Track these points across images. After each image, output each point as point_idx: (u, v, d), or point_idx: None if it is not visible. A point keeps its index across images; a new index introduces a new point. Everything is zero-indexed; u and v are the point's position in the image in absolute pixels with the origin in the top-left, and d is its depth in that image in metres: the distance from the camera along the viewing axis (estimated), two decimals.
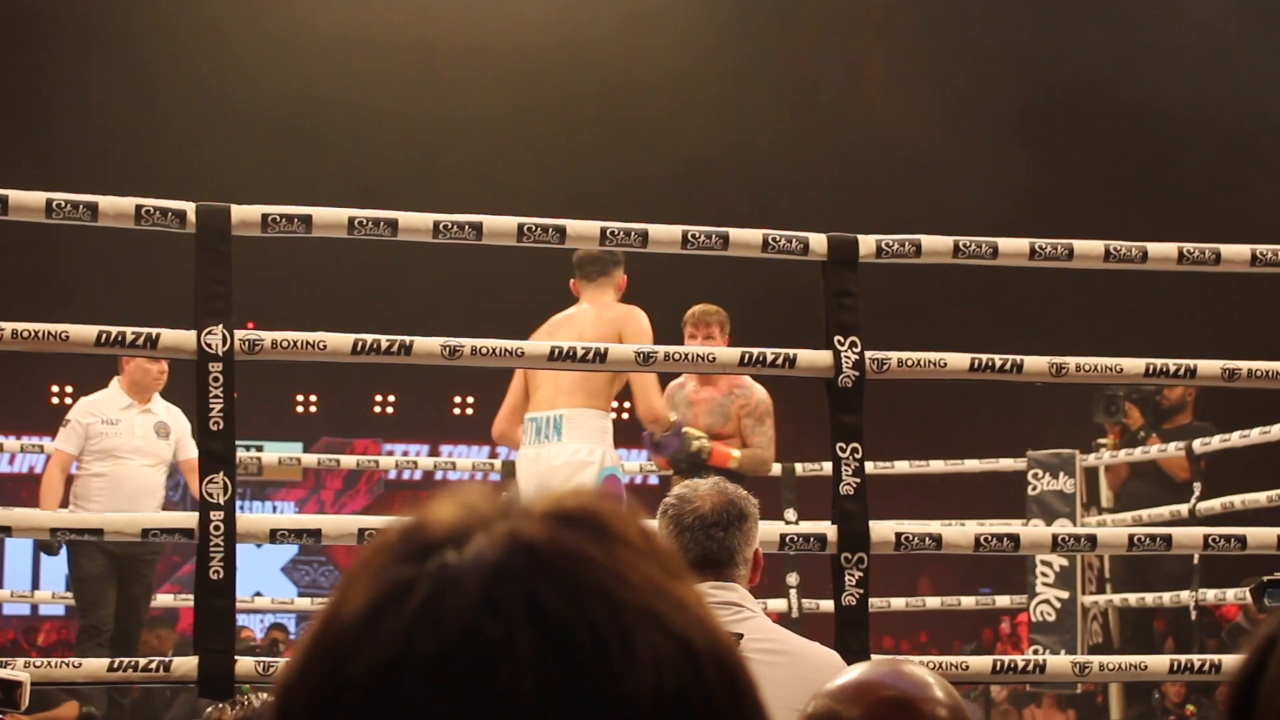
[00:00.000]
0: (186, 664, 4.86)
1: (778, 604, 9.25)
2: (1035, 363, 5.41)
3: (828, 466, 5.50)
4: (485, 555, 0.78)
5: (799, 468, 9.59)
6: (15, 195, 4.93)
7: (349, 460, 11.74)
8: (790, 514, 9.26)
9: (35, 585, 17.09)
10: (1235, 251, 5.62)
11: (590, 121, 15.34)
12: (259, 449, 12.21)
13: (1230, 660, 5.24)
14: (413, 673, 0.76)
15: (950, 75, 15.38)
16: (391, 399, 18.96)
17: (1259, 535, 5.38)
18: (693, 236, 5.27)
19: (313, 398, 18.74)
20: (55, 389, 17.68)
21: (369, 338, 5.03)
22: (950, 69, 15.37)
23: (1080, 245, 5.51)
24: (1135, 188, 15.20)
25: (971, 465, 9.86)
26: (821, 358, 5.24)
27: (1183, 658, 5.42)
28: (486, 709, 0.75)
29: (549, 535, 0.79)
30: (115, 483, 8.12)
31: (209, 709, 2.38)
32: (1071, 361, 5.41)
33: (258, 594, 13.75)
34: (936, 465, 9.81)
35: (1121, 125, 15.29)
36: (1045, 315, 14.96)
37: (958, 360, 5.37)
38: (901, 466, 9.65)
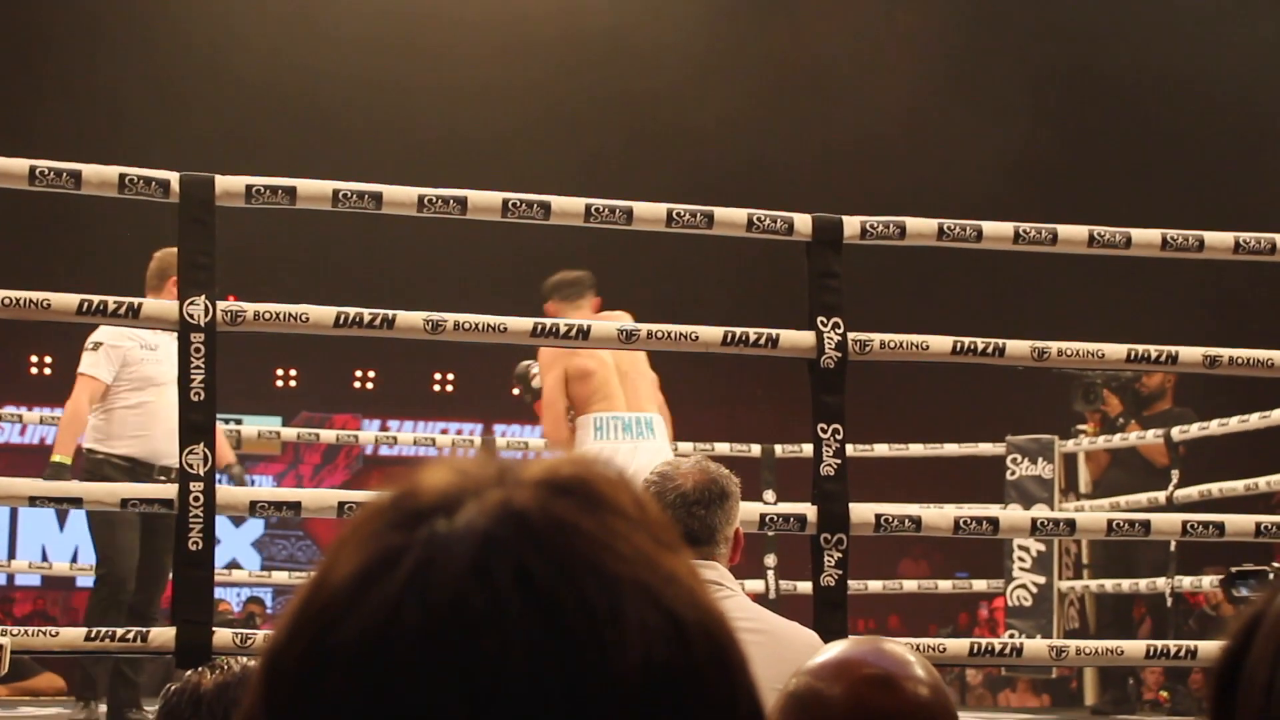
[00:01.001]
0: (164, 635, 4.85)
1: (755, 585, 9.27)
2: (1017, 346, 5.43)
3: (807, 449, 5.53)
4: (475, 524, 0.78)
5: (778, 449, 9.60)
6: None
7: (328, 435, 11.72)
8: (769, 495, 9.27)
9: (11, 555, 17.06)
10: (1218, 239, 5.64)
11: (583, 96, 15.33)
12: (238, 422, 12.16)
13: (1206, 647, 5.26)
14: (400, 642, 0.75)
15: (953, 46, 15.35)
16: (372, 374, 18.93)
17: (1237, 522, 5.40)
18: (677, 215, 5.26)
19: (293, 372, 18.71)
20: (34, 359, 17.63)
21: (351, 311, 5.02)
22: (952, 38, 15.34)
23: (1064, 230, 5.52)
24: (1146, 163, 15.16)
25: (950, 449, 9.87)
26: (804, 338, 5.24)
27: (1159, 643, 5.43)
28: (474, 679, 0.74)
29: (540, 504, 0.79)
30: (152, 416, 7.05)
31: (188, 673, 2.38)
32: (1054, 346, 5.42)
33: (233, 565, 13.78)
34: (916, 448, 9.83)
35: (1132, 99, 15.25)
36: (1032, 298, 14.97)
37: (940, 343, 5.38)
38: (881, 449, 9.67)
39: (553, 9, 14.89)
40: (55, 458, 7.00)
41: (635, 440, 7.27)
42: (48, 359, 17.65)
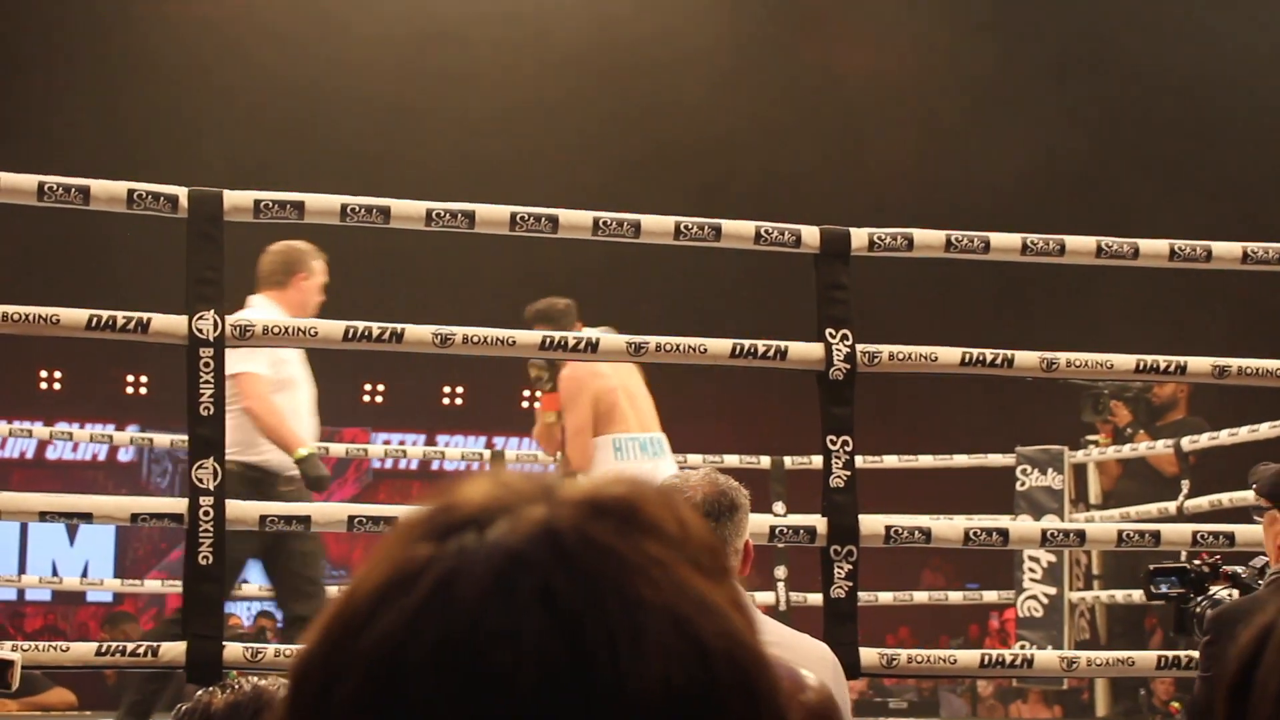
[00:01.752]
0: (174, 649, 4.85)
1: (765, 597, 9.27)
2: (1026, 358, 5.42)
3: (817, 460, 5.53)
4: (505, 541, 0.78)
5: (788, 461, 9.60)
6: (6, 177, 4.93)
7: (338, 448, 11.72)
8: (779, 507, 9.26)
9: (21, 570, 17.06)
10: (1226, 249, 5.63)
11: (603, 113, 15.33)
12: None
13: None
14: (414, 657, 0.75)
15: (975, 55, 15.33)
16: (381, 388, 18.93)
17: (1247, 532, 5.39)
18: (685, 228, 5.27)
19: None
20: (44, 374, 17.65)
21: (360, 325, 5.02)
22: (975, 48, 15.30)
23: (1072, 241, 5.52)
24: (1177, 167, 15.10)
25: (960, 460, 9.86)
26: (813, 350, 5.24)
27: (1170, 653, 5.42)
28: (484, 698, 0.74)
29: (577, 525, 0.79)
30: (295, 420, 6.69)
31: (199, 692, 2.38)
32: (1062, 357, 5.42)
33: (243, 581, 13.75)
34: (925, 460, 9.82)
35: (1160, 102, 15.20)
36: (1043, 307, 14.96)
37: (949, 354, 5.38)
38: (890, 461, 9.65)
39: (571, 27, 14.89)
40: (301, 452, 6.55)
41: (654, 459, 7.33)
42: (57, 374, 17.66)
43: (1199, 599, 4.87)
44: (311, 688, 0.78)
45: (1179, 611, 4.90)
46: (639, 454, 7.36)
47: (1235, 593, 4.78)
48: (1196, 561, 4.95)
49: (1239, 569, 4.82)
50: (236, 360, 6.06)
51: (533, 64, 14.92)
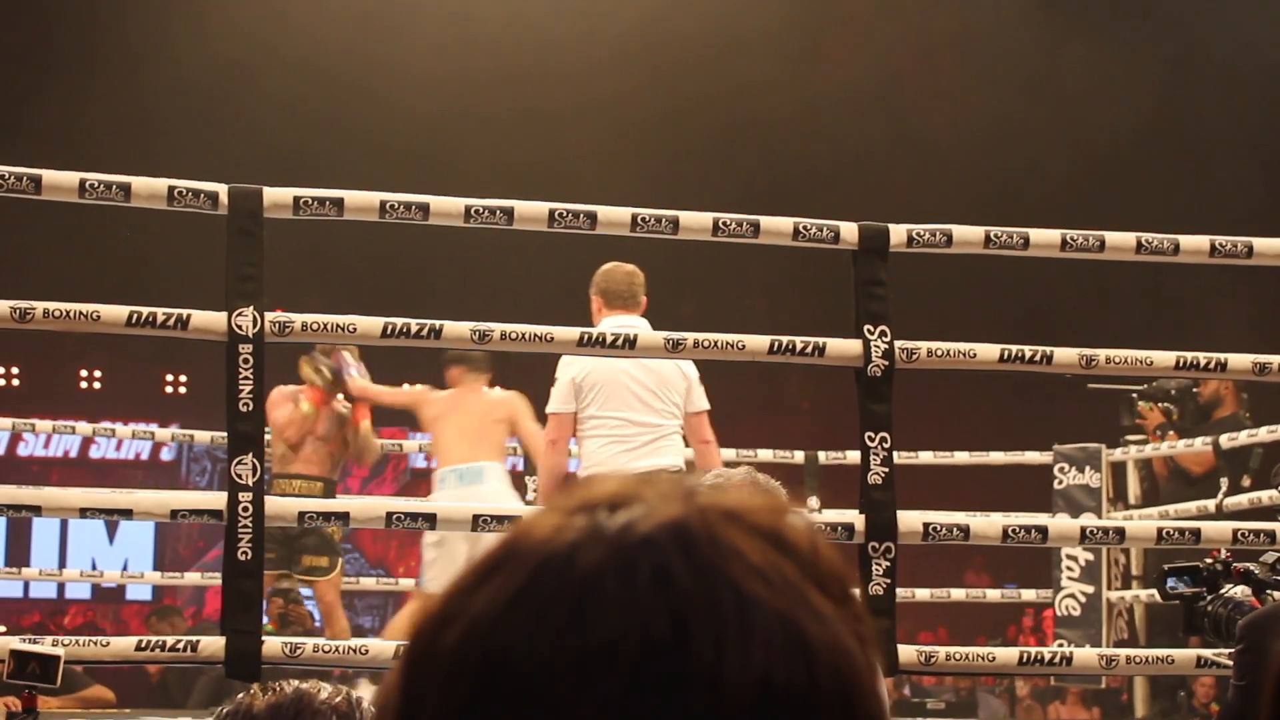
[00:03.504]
0: (213, 644, 4.87)
1: None
2: (1065, 354, 5.41)
3: (851, 455, 5.53)
4: (634, 524, 0.79)
5: (822, 456, 9.58)
6: (49, 175, 4.95)
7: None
8: (814, 502, 9.25)
9: (61, 565, 17.13)
10: (1267, 245, 5.61)
11: (656, 108, 15.34)
12: None
13: None
14: (524, 616, 0.77)
15: (1029, 43, 15.26)
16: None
17: None
18: (723, 224, 5.27)
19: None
20: (84, 372, 17.72)
21: (399, 321, 5.03)
22: (1029, 35, 15.23)
23: (1112, 237, 5.50)
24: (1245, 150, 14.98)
25: (997, 458, 9.83)
26: (851, 347, 5.24)
27: (1210, 653, 5.39)
28: (584, 664, 0.76)
29: (707, 523, 0.80)
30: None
31: (240, 694, 2.38)
32: (1101, 354, 5.40)
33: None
34: (961, 457, 9.78)
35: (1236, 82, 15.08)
36: (1081, 306, 14.92)
37: (987, 351, 5.37)
38: (926, 457, 9.62)
39: (619, 24, 14.90)
40: None
41: (468, 487, 7.95)
42: (97, 372, 17.73)
43: (1211, 597, 4.84)
44: (424, 639, 0.80)
45: (1189, 610, 4.88)
46: (456, 484, 8.01)
47: (1248, 590, 4.76)
48: (1209, 560, 4.92)
49: (1252, 566, 4.79)
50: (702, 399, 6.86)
51: (580, 62, 14.92)
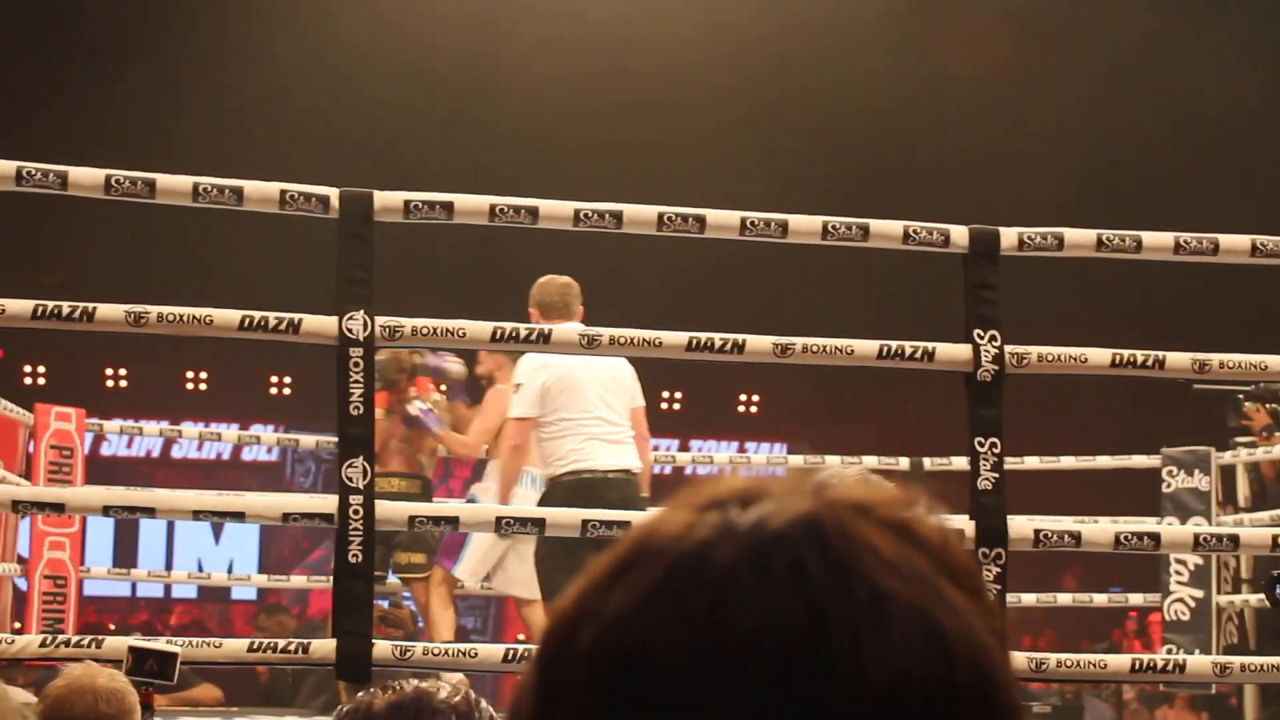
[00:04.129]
0: (324, 646, 4.91)
1: None
2: (1178, 359, 5.35)
3: (956, 461, 5.49)
4: (767, 519, 0.79)
5: (927, 462, 9.54)
6: (163, 179, 5.01)
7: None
8: None
9: (169, 566, 17.31)
10: None
11: (769, 98, 15.35)
12: None
13: None
14: (660, 612, 0.77)
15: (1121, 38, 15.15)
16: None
17: None
18: (833, 228, 5.25)
19: (443, 386, 18.84)
20: (190, 375, 17.89)
21: (508, 325, 5.05)
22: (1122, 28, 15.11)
23: (1226, 240, 5.44)
24: None
25: (1104, 461, 9.75)
26: (961, 351, 5.20)
27: None
28: (720, 661, 0.76)
29: (839, 517, 0.80)
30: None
31: (360, 694, 2.40)
32: (1215, 358, 5.34)
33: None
34: (1068, 461, 9.71)
35: None
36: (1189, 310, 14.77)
37: (1099, 355, 5.32)
38: (1032, 462, 9.56)
39: (728, 18, 14.91)
40: None
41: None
42: (203, 374, 17.88)
43: None
44: (558, 638, 0.80)
45: None
46: (530, 487, 7.67)
47: None
48: None
49: None
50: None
51: (702, 55, 14.94)
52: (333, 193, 5.05)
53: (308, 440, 10.91)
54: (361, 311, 4.96)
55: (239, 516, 5.22)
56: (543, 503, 6.77)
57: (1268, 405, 9.29)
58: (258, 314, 4.96)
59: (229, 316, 4.98)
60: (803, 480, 0.83)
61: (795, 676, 0.75)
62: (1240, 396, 9.35)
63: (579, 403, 6.85)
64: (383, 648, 4.95)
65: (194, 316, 4.94)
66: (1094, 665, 5.25)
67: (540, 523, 5.22)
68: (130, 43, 15.02)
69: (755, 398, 19.37)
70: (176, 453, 18.28)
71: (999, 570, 5.06)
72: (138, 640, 4.23)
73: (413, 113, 14.97)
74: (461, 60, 14.74)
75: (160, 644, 4.15)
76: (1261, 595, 9.16)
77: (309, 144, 14.02)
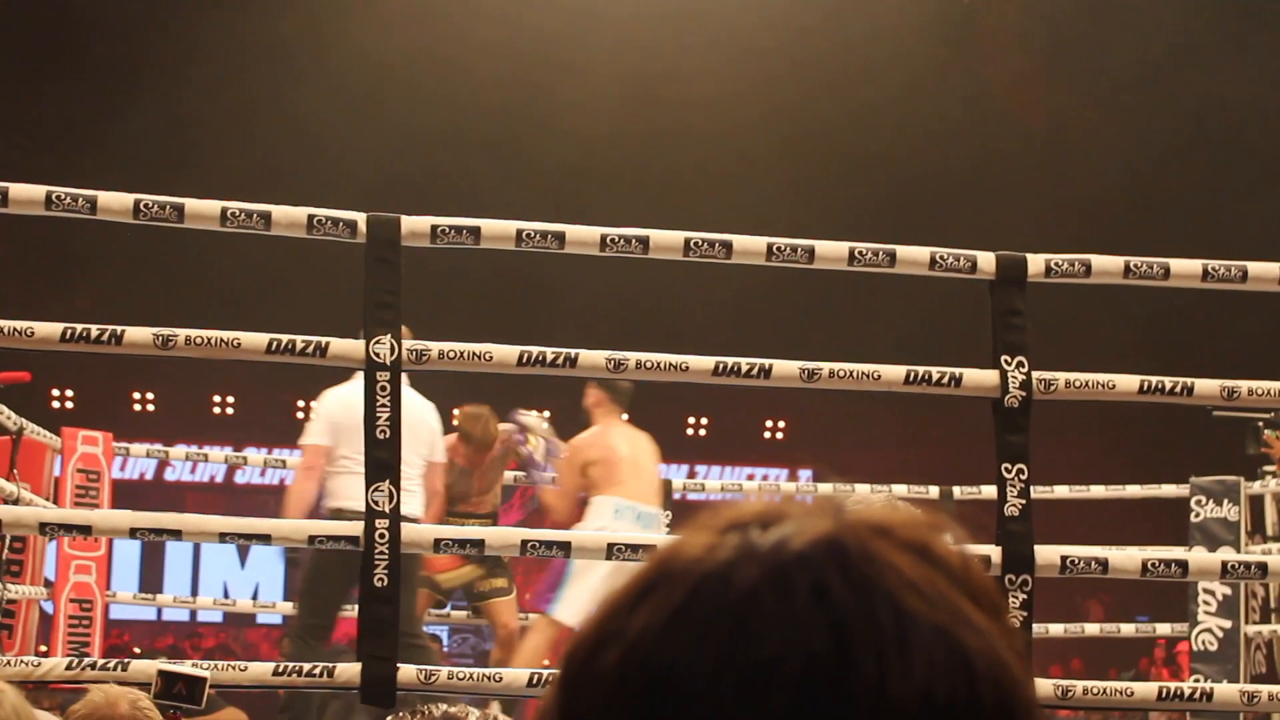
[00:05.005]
0: (349, 670, 4.90)
1: None
2: (1206, 385, 5.33)
3: (986, 490, 5.47)
4: (788, 540, 0.80)
5: (956, 490, 9.51)
6: (192, 204, 5.02)
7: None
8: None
9: (194, 591, 17.34)
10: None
11: (800, 125, 15.40)
12: None
13: None
14: (682, 634, 0.77)
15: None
16: (547, 413, 19.03)
17: None
18: (859, 254, 5.24)
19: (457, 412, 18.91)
20: (217, 399, 17.93)
21: (534, 350, 5.04)
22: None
23: (1254, 267, 5.42)
24: None
25: (1133, 491, 9.72)
26: (988, 377, 5.19)
27: None
28: (745, 683, 0.76)
29: (860, 538, 0.80)
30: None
31: (389, 717, 2.39)
32: (1244, 385, 5.32)
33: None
34: (1097, 490, 9.68)
35: None
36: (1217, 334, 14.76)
37: (1127, 382, 5.30)
38: (1061, 491, 9.53)
39: (758, 48, 14.95)
40: None
41: (645, 529, 7.81)
42: (229, 398, 17.92)
43: None
44: (581, 660, 0.81)
45: None
46: (634, 522, 7.92)
47: None
48: None
49: None
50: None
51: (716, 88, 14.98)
52: (360, 217, 5.06)
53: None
54: (389, 335, 4.96)
55: (265, 539, 5.22)
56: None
57: None
58: (285, 337, 4.97)
59: (256, 340, 4.99)
60: (824, 502, 0.83)
61: (820, 697, 0.75)
62: (1260, 424, 9.31)
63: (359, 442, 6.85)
64: (408, 671, 4.95)
65: (221, 340, 4.95)
66: (1120, 693, 5.22)
67: (566, 545, 5.21)
68: (156, 67, 15.10)
69: (781, 424, 19.37)
70: (202, 476, 18.32)
71: (1025, 597, 5.04)
72: (167, 664, 4.23)
73: (449, 142, 15.01)
74: (499, 92, 14.80)
75: (189, 668, 4.15)
76: None
77: (334, 171, 14.06)
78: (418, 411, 7.19)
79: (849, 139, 15.41)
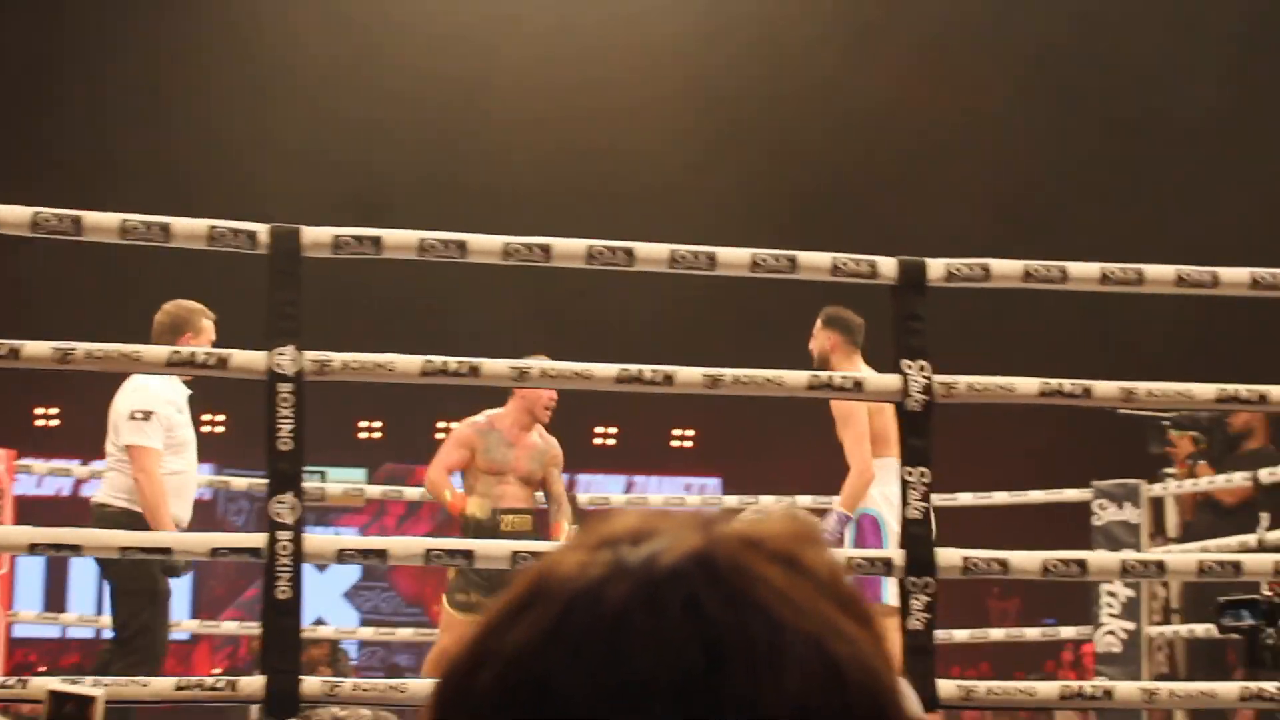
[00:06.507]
0: (253, 683, 4.87)
1: None
2: (1104, 388, 5.38)
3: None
4: (659, 556, 0.80)
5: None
6: (89, 216, 4.97)
7: (412, 492, 11.73)
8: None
9: (100, 610, 17.14)
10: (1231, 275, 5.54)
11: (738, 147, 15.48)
12: (321, 475, 12.23)
13: None
14: (556, 652, 0.77)
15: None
16: (454, 426, 18.99)
17: None
18: (761, 260, 5.26)
19: (376, 424, 18.81)
20: (40, 410, 17.72)
21: (438, 359, 5.03)
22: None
23: (1150, 270, 5.48)
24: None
25: (1035, 496, 9.78)
26: (890, 381, 5.23)
27: (1254, 685, 5.35)
28: (619, 698, 0.76)
29: (730, 551, 0.81)
30: (186, 483, 7.01)
31: None
32: (1142, 387, 5.38)
33: (319, 621, 13.81)
34: (1000, 496, 9.74)
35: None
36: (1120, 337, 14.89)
37: (1026, 384, 5.35)
38: (965, 498, 9.58)
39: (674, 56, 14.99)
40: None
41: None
42: (53, 410, 17.79)
43: (1270, 630, 4.82)
44: (457, 678, 0.80)
45: (1252, 644, 4.85)
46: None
47: None
48: (1268, 593, 4.90)
49: None
50: (134, 432, 6.75)
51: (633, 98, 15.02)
52: (261, 228, 5.03)
53: (239, 482, 10.93)
54: (291, 346, 4.94)
55: (166, 552, 5.19)
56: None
57: (1191, 433, 9.35)
58: (185, 349, 4.96)
59: (157, 353, 4.97)
60: (694, 516, 0.84)
61: (695, 713, 0.75)
62: (1165, 424, 9.40)
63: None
64: (311, 683, 4.92)
65: (121, 353, 4.91)
66: (1022, 693, 5.27)
67: (469, 554, 5.20)
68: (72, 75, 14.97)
69: (690, 432, 19.40)
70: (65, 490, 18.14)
71: (928, 599, 5.07)
72: (58, 683, 4.18)
73: (372, 161, 14.98)
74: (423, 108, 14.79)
75: (81, 687, 4.10)
76: (1191, 626, 9.22)
77: (246, 185, 13.99)
78: (115, 405, 6.91)
79: (768, 141, 15.52)
